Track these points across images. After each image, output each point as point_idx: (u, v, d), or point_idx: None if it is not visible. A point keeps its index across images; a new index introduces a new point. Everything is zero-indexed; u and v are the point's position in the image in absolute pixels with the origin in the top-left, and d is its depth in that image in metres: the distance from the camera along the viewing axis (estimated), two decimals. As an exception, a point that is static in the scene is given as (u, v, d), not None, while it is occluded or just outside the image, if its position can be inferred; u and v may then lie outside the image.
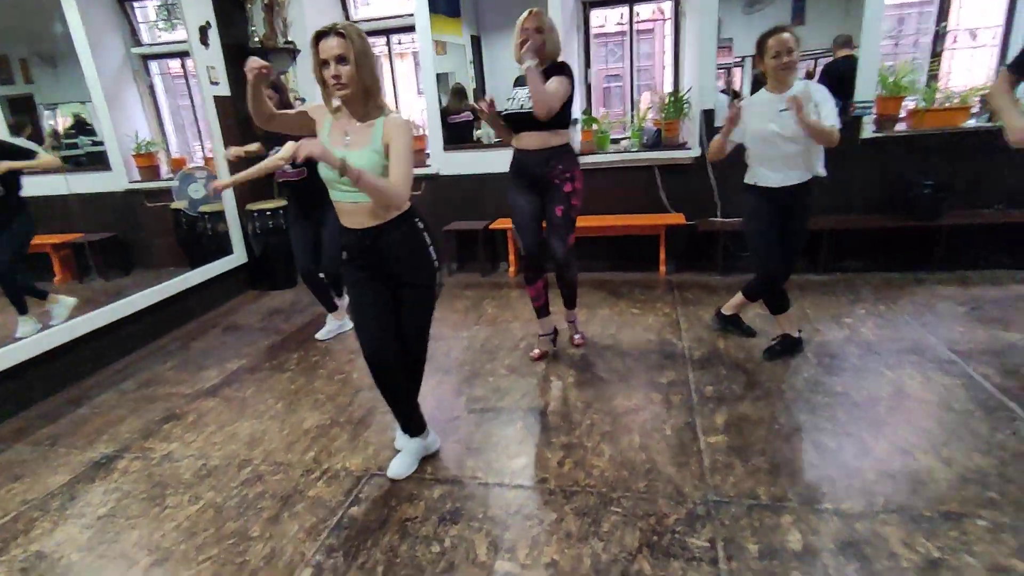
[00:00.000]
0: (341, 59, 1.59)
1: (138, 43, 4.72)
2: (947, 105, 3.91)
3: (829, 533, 1.67)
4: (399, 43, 5.03)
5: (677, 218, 4.25)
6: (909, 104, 4.02)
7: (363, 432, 2.41)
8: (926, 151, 3.90)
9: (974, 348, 2.73)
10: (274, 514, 1.93)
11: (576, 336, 3.10)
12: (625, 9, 4.52)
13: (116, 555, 1.79)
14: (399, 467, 2.08)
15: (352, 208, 1.78)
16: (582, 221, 4.35)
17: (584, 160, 4.38)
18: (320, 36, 1.61)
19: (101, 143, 4.29)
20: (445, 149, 4.64)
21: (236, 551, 1.78)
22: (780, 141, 2.44)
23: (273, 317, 3.98)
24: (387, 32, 4.94)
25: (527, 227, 2.71)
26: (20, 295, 3.18)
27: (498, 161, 4.04)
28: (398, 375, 1.96)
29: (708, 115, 4.11)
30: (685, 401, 2.46)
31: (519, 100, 2.58)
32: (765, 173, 2.54)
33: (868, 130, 3.94)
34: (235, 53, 4.45)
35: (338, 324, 3.49)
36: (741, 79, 5.13)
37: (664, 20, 4.52)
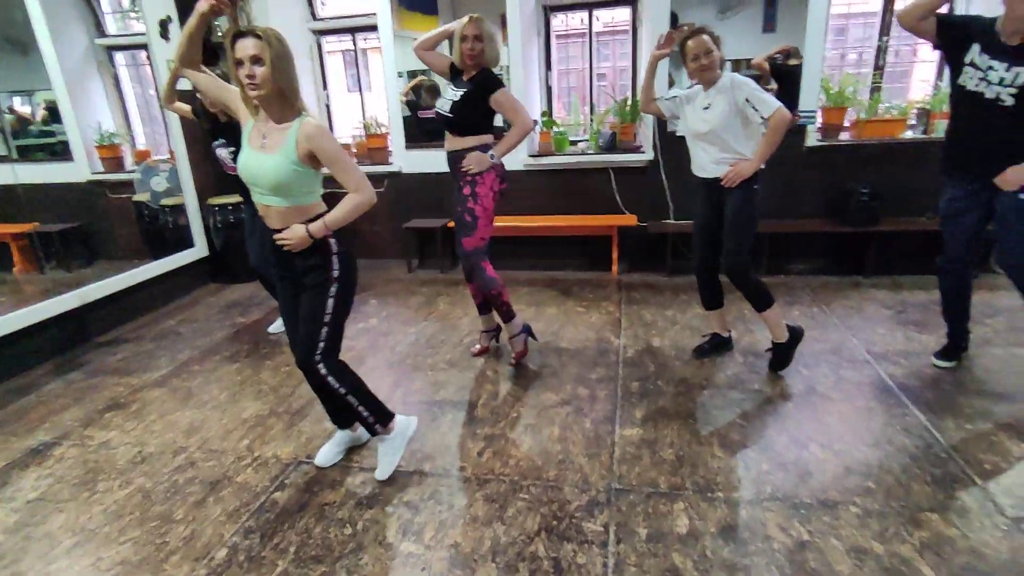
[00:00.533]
0: (256, 60, 1.65)
1: (102, 34, 4.73)
2: (887, 116, 4.08)
3: (714, 519, 1.79)
4: (364, 40, 5.09)
5: (629, 219, 4.38)
6: (853, 115, 4.19)
7: (299, 422, 2.50)
8: (866, 160, 4.07)
9: (889, 350, 2.88)
10: (200, 499, 2.02)
11: (514, 353, 2.92)
12: (585, 14, 4.62)
13: (40, 536, 1.86)
14: (324, 456, 2.18)
15: (264, 210, 1.85)
16: (540, 220, 4.48)
17: (543, 161, 4.50)
18: (237, 36, 1.67)
19: (54, 133, 4.31)
20: (407, 147, 4.73)
21: (158, 533, 1.86)
22: (707, 136, 2.49)
23: (230, 310, 4.04)
24: (352, 30, 4.99)
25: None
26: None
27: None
28: None
29: (661, 120, 4.24)
30: (610, 396, 2.58)
31: (445, 101, 2.63)
32: (699, 164, 2.60)
33: (812, 138, 4.09)
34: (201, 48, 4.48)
35: None
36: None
37: (624, 26, 4.61)
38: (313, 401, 2.64)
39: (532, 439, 2.29)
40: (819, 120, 4.15)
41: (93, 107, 4.70)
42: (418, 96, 4.79)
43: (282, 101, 1.75)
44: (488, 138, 2.68)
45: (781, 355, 2.68)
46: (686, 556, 1.66)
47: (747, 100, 2.34)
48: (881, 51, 4.20)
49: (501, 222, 4.46)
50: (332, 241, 1.87)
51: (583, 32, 4.68)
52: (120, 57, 4.93)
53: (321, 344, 1.88)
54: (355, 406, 1.98)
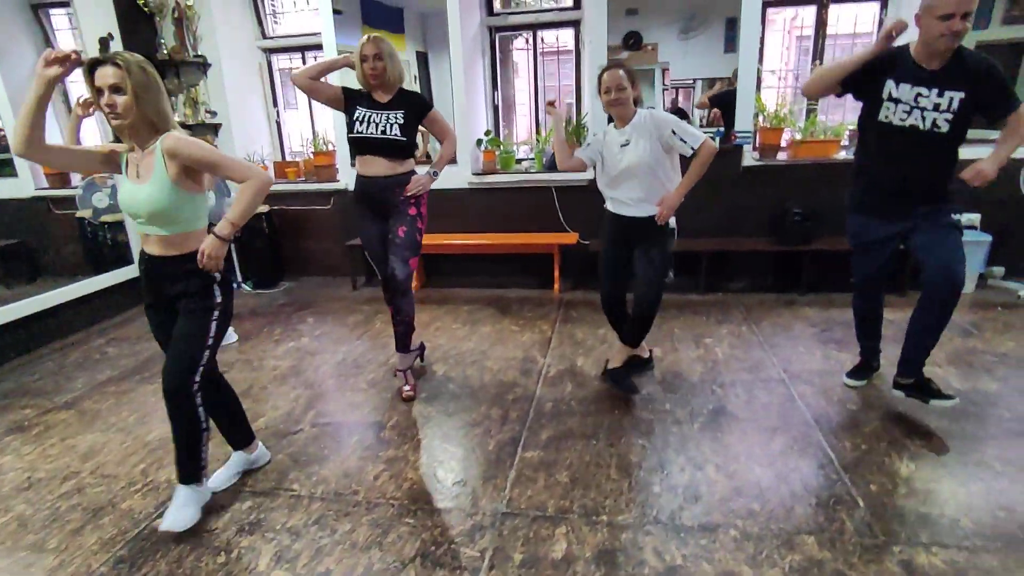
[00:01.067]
0: (116, 88, 1.63)
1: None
2: (821, 137, 4.16)
3: (593, 543, 1.77)
4: (314, 58, 5.11)
5: (571, 237, 4.40)
6: (790, 135, 4.27)
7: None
8: (801, 180, 4.14)
9: (804, 368, 2.91)
10: (78, 527, 1.96)
11: (406, 388, 2.79)
12: (530, 35, 4.69)
13: (-102, 568, 1.79)
14: (217, 479, 2.13)
15: (145, 240, 1.83)
16: (483, 238, 4.49)
17: (487, 180, 4.52)
18: (95, 64, 1.65)
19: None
20: (352, 164, 4.72)
21: (25, 563, 1.80)
22: (625, 175, 2.43)
23: (165, 329, 3.97)
24: (302, 48, 5.01)
25: (379, 254, 2.75)
26: None
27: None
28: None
29: (600, 140, 4.29)
30: (522, 417, 2.56)
31: (376, 124, 2.61)
32: (617, 203, 2.53)
33: (749, 159, 4.16)
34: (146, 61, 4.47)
35: None
36: (691, 101, 5.19)
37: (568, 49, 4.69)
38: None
39: (432, 461, 2.26)
40: (756, 140, 4.22)
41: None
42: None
43: (150, 129, 1.73)
44: (412, 161, 2.72)
45: (639, 368, 2.78)
46: (556, 582, 1.63)
47: (674, 132, 2.31)
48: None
49: (446, 240, 4.48)
50: (216, 287, 1.88)
51: (555, 51, 4.75)
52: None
53: (200, 368, 1.85)
54: (204, 441, 1.93)
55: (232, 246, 4.93)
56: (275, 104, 5.24)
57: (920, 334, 2.30)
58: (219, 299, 1.87)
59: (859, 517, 1.83)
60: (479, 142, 4.57)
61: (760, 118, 4.18)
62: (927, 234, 2.22)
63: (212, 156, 1.76)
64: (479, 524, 1.88)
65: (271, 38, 5.06)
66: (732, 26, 4.36)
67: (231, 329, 3.49)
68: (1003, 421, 2.36)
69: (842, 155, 4.14)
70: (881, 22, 4.19)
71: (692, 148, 2.30)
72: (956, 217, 2.22)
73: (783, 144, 4.25)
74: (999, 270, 4.07)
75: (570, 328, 3.61)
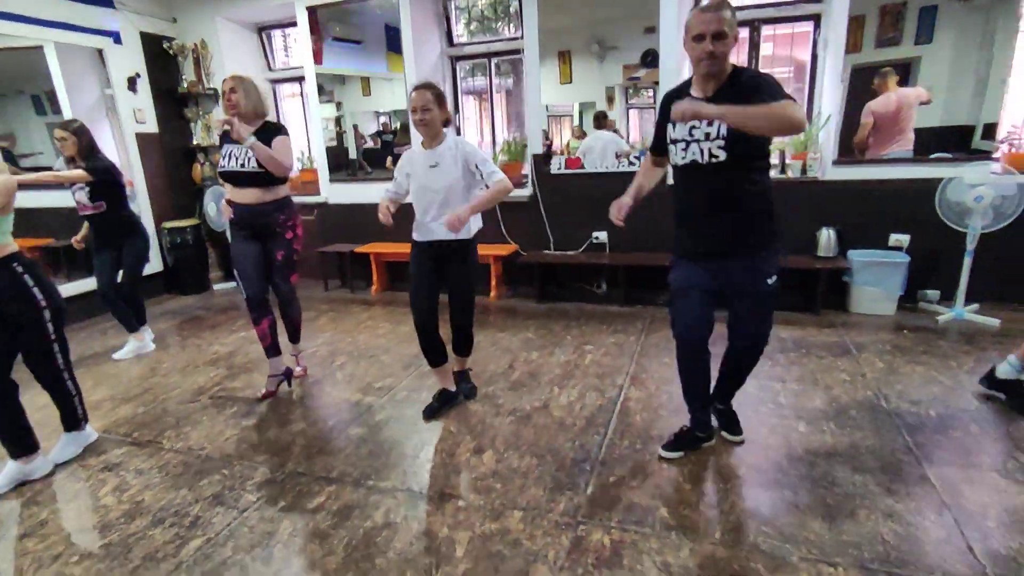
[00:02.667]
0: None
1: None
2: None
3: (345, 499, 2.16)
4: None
5: (509, 248, 4.75)
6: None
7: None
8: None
9: (644, 372, 3.11)
10: None
11: (298, 368, 3.27)
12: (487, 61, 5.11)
13: None
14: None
15: None
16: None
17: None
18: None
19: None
20: (331, 180, 5.36)
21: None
22: (434, 197, 2.52)
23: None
24: (300, 79, 5.71)
25: (249, 274, 2.94)
26: (129, 317, 3.75)
27: (375, 192, 4.76)
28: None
29: (536, 159, 4.63)
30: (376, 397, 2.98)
31: (236, 157, 2.83)
32: (425, 230, 2.59)
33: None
34: (165, 96, 5.38)
35: (138, 344, 3.82)
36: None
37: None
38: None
39: (271, 427, 2.74)
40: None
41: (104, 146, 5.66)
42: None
43: None
44: (286, 187, 3.03)
45: (456, 397, 2.88)
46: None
47: (477, 167, 2.49)
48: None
49: (393, 248, 4.97)
50: (26, 277, 2.27)
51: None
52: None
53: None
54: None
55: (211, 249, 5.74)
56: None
57: (730, 376, 2.35)
58: (42, 300, 2.31)
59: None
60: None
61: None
62: (742, 303, 2.12)
63: None
64: (273, 479, 2.33)
65: (275, 70, 5.83)
66: None
67: (147, 338, 3.93)
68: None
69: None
70: (815, 42, 4.20)
71: (487, 185, 2.50)
72: (771, 282, 2.07)
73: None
74: (934, 294, 3.93)
75: (493, 332, 3.95)
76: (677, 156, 2.03)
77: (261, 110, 2.89)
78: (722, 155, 1.93)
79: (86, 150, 3.38)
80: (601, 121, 4.86)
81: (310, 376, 3.35)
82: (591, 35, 4.92)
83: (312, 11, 4.98)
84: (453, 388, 2.89)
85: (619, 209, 2.24)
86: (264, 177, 2.86)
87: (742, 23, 4.12)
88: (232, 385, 3.29)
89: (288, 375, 3.16)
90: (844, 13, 3.79)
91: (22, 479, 2.36)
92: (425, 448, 2.51)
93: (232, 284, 5.47)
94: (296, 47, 5.64)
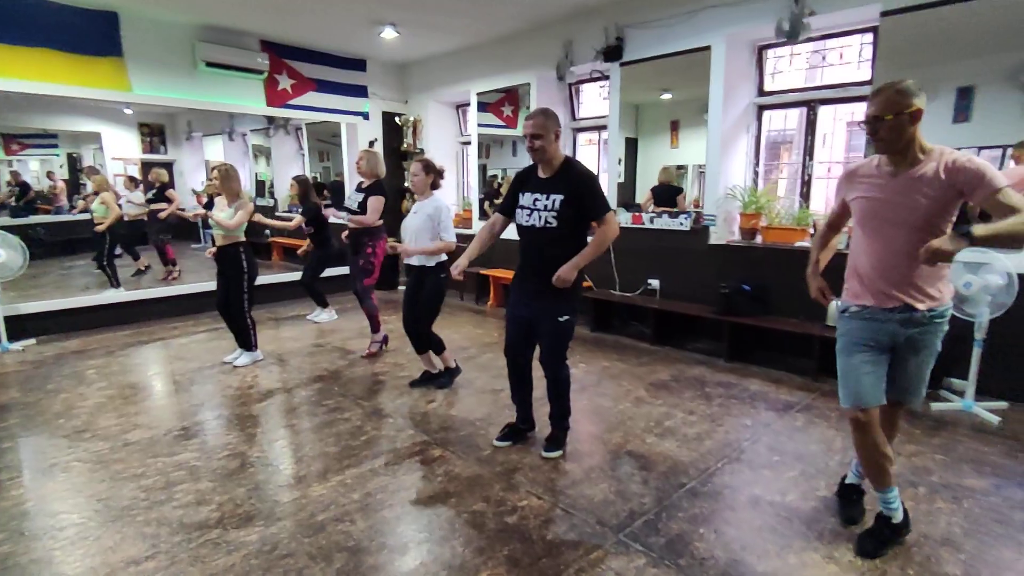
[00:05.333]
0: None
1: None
2: (785, 224, 4.52)
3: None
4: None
5: (584, 284, 5.73)
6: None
7: None
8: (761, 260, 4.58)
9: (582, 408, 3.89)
10: (230, 351, 4.85)
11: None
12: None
13: None
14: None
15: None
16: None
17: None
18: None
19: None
20: (480, 219, 7.08)
21: (208, 354, 4.75)
22: (408, 233, 3.64)
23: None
24: (487, 143, 7.63)
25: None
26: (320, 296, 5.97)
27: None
28: None
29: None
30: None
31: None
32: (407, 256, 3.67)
33: (713, 237, 4.82)
34: (392, 153, 7.86)
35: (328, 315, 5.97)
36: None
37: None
38: None
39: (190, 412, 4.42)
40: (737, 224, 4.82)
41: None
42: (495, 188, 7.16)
43: None
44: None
45: (436, 378, 3.93)
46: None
47: (437, 224, 3.56)
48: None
49: (506, 273, 6.41)
50: (242, 255, 4.28)
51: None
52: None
53: None
54: None
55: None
56: (464, 175, 8.06)
57: (551, 400, 2.96)
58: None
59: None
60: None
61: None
62: (542, 329, 2.80)
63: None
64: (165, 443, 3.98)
65: (464, 136, 7.89)
66: (965, 95, 4.42)
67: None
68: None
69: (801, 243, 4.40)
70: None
71: (443, 238, 3.57)
72: (564, 319, 2.73)
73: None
74: (961, 383, 3.66)
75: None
76: (522, 217, 2.74)
77: (375, 171, 4.68)
78: (554, 223, 2.63)
79: (303, 195, 5.68)
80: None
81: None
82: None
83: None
84: (434, 371, 3.96)
85: (459, 269, 2.93)
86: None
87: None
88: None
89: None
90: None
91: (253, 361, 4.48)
92: (409, 393, 3.88)
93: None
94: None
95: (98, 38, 5.27)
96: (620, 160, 5.93)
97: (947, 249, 1.71)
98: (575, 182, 2.64)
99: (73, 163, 9.54)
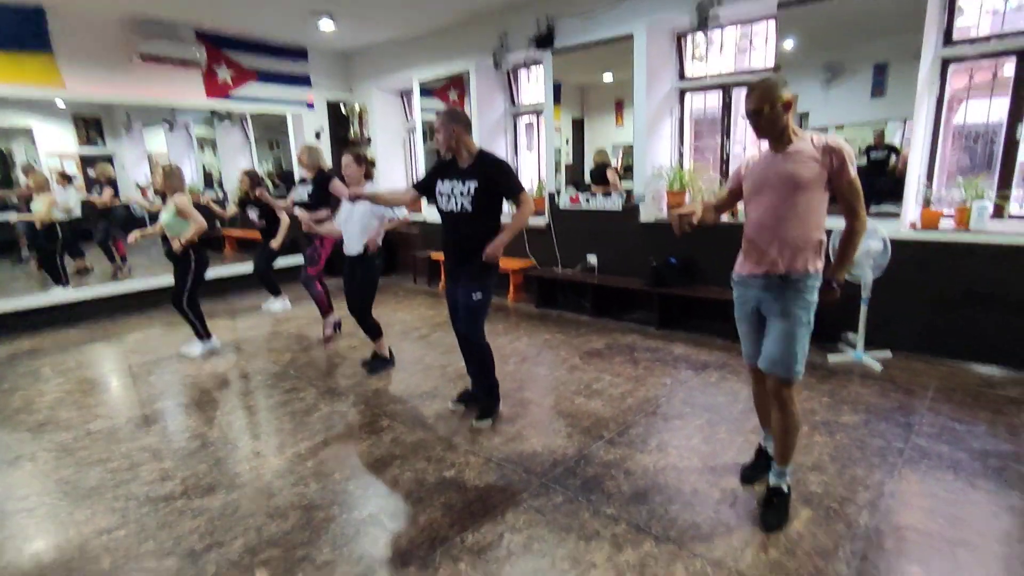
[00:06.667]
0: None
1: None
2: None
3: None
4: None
5: (527, 263, 6.07)
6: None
7: None
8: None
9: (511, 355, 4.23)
10: (186, 343, 4.98)
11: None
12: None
13: None
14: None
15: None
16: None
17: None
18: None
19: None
20: (427, 204, 7.29)
21: (163, 347, 4.88)
22: (354, 224, 3.83)
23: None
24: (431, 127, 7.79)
25: None
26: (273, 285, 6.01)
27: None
28: None
29: (551, 196, 5.88)
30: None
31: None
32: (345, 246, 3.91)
33: (643, 215, 5.19)
34: (339, 142, 7.94)
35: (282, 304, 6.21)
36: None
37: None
38: None
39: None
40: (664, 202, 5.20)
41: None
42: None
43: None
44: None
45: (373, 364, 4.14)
46: (269, 390, 3.86)
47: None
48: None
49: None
50: (191, 252, 4.49)
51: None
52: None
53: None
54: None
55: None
56: (412, 160, 8.22)
57: (473, 375, 3.32)
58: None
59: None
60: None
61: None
62: (459, 304, 3.09)
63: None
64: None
65: (411, 122, 8.02)
66: (881, 71, 4.39)
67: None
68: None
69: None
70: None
71: (392, 218, 3.91)
72: (477, 296, 3.00)
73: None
74: (855, 336, 4.15)
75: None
76: (442, 202, 3.01)
77: (316, 162, 4.88)
78: (470, 208, 2.90)
79: (253, 188, 5.77)
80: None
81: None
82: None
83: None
84: (386, 355, 4.19)
85: (358, 192, 3.21)
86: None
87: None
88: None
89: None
90: None
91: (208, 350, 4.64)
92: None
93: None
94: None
95: (24, 34, 5.20)
96: (568, 140, 6.20)
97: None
98: (488, 170, 2.93)
99: (3, 159, 9.23)
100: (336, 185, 4.48)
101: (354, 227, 3.88)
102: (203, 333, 4.60)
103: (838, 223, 2.21)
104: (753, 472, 2.57)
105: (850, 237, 2.20)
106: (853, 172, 2.09)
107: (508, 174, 2.97)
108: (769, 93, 2.12)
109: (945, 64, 3.92)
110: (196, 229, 4.21)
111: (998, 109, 3.84)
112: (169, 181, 4.28)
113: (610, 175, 5.65)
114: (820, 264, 2.20)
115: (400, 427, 3.19)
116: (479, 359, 3.20)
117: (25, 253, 7.83)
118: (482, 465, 2.75)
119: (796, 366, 2.18)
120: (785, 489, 2.32)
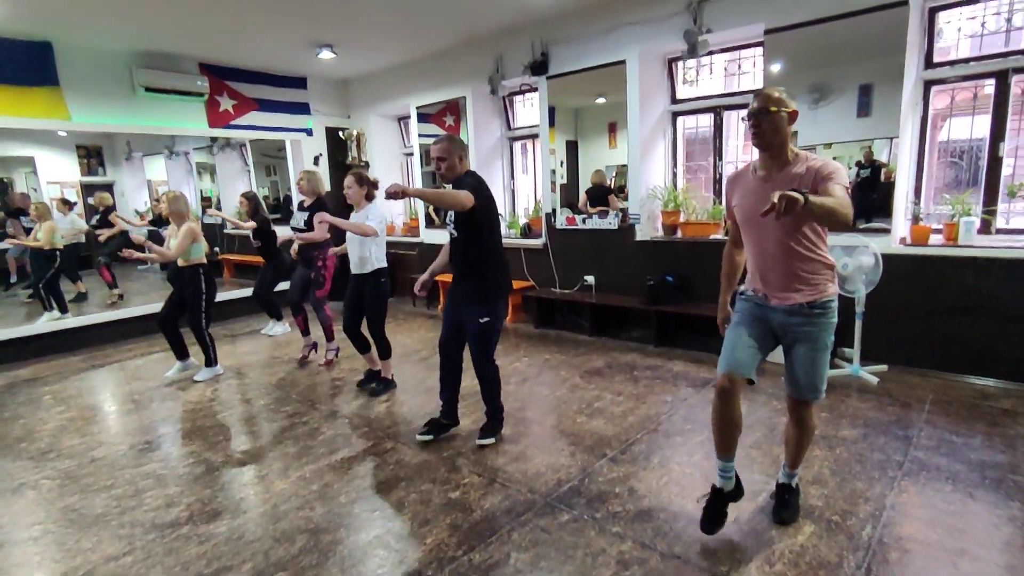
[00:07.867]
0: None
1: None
2: (701, 220, 5.01)
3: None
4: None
5: (527, 284, 6.12)
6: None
7: None
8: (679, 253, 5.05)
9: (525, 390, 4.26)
10: (187, 368, 4.99)
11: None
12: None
13: None
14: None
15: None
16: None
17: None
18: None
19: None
20: (426, 228, 7.38)
21: (164, 373, 4.89)
22: (353, 243, 3.93)
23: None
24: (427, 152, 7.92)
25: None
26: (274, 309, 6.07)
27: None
28: None
29: (547, 216, 5.97)
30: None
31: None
32: (352, 264, 3.96)
33: (639, 234, 5.28)
34: (338, 167, 8.04)
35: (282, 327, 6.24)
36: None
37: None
38: None
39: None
40: (659, 221, 5.29)
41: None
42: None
43: None
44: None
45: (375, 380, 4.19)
46: (271, 414, 3.87)
47: (368, 217, 3.91)
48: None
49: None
50: (201, 277, 4.55)
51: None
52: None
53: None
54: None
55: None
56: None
57: (484, 398, 3.25)
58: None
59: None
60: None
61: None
62: (467, 330, 3.10)
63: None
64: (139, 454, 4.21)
65: (408, 147, 8.15)
66: (866, 92, 4.39)
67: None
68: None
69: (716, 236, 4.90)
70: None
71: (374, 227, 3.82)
72: (484, 320, 3.02)
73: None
74: (852, 351, 4.20)
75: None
76: (448, 231, 3.12)
77: (315, 190, 4.92)
78: (456, 233, 3.03)
79: (253, 210, 5.83)
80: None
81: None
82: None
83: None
84: (376, 367, 4.20)
85: (419, 283, 3.29)
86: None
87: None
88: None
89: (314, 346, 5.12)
90: None
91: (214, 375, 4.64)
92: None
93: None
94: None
95: (33, 68, 5.31)
96: (562, 163, 6.30)
97: (792, 196, 1.71)
98: (465, 186, 2.89)
99: (4, 189, 9.30)
100: (319, 216, 4.38)
101: (369, 242, 3.91)
102: (213, 359, 4.62)
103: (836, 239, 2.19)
104: (784, 511, 2.41)
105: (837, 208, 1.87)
106: (843, 183, 1.96)
107: (468, 183, 2.93)
108: (778, 98, 2.05)
109: (927, 86, 4.06)
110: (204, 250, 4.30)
111: (981, 126, 3.97)
112: (174, 206, 4.35)
113: (612, 201, 5.72)
114: (835, 285, 2.19)
115: (404, 449, 3.21)
116: (486, 383, 3.20)
117: (14, 279, 7.90)
118: (487, 485, 2.76)
119: (823, 387, 2.26)
120: (795, 486, 2.46)
